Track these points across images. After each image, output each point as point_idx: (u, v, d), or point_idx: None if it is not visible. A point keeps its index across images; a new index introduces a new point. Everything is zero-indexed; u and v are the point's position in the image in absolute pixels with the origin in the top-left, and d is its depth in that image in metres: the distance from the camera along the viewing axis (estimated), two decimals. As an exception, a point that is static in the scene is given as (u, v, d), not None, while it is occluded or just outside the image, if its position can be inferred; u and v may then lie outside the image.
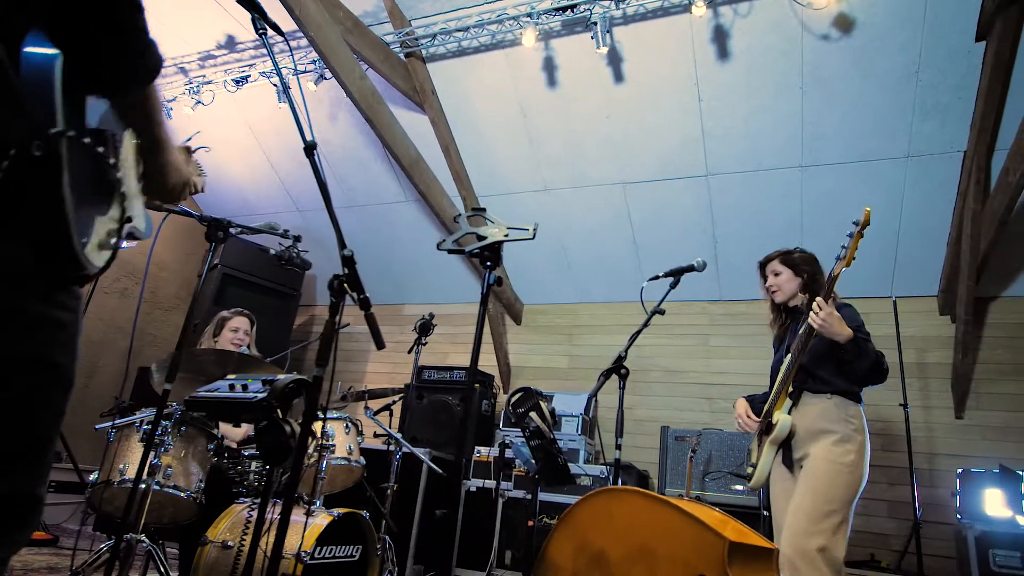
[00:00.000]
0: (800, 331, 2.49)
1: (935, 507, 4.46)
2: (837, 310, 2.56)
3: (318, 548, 2.58)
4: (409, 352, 4.04)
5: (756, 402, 2.77)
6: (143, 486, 2.41)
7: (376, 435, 4.80)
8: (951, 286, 4.68)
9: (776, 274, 2.75)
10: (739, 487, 4.24)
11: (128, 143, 0.96)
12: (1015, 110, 3.89)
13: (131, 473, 2.56)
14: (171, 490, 2.61)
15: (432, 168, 5.35)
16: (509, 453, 4.18)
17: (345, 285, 1.47)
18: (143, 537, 2.41)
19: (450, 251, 1.49)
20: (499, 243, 1.49)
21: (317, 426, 2.94)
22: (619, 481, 2.53)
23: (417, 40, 4.79)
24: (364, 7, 4.79)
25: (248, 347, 3.44)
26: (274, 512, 2.41)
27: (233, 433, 3.33)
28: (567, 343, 6.04)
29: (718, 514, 1.58)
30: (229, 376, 1.90)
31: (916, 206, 4.58)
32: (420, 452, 3.73)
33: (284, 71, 5.15)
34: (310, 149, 1.56)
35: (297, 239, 2.73)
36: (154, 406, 2.81)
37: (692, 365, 5.48)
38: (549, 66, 4.71)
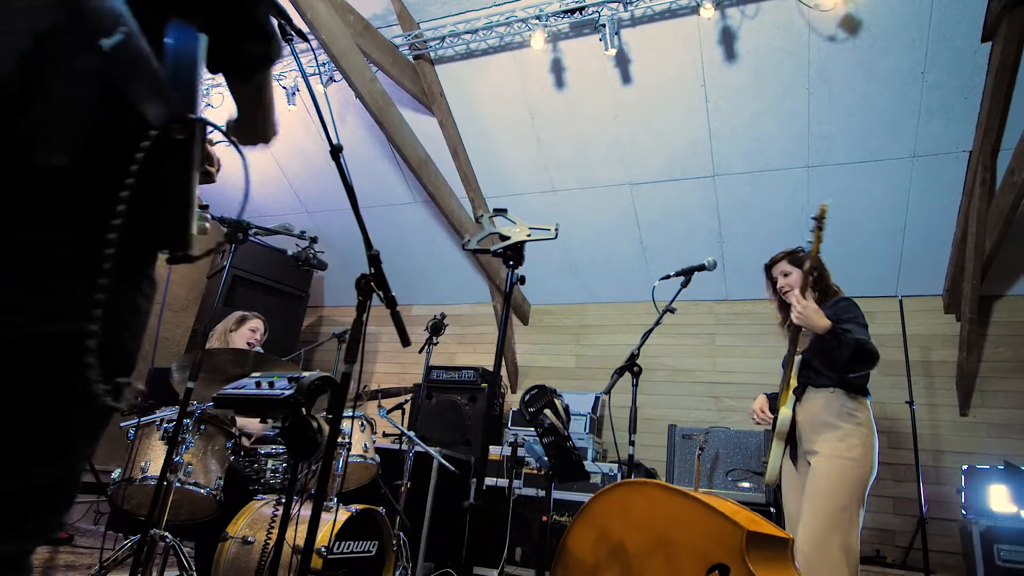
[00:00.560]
0: (790, 324, 2.56)
1: (941, 503, 4.49)
2: (834, 304, 2.62)
3: (337, 543, 2.62)
4: (420, 352, 4.08)
5: (774, 400, 2.82)
6: (165, 484, 2.46)
7: (385, 434, 4.86)
8: (956, 285, 4.71)
9: (786, 275, 2.80)
10: (746, 484, 4.28)
11: None
12: (1020, 110, 3.93)
13: (152, 471, 2.62)
14: (191, 487, 2.66)
15: (440, 170, 5.39)
16: (521, 452, 4.22)
17: (372, 284, 1.51)
18: (167, 533, 2.45)
19: (475, 251, 1.53)
20: (522, 243, 1.54)
21: (346, 423, 3.00)
22: (632, 477, 2.58)
23: (426, 42, 4.84)
24: (374, 10, 4.84)
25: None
26: (295, 508, 2.46)
27: (251, 426, 3.38)
28: (574, 343, 6.09)
29: (732, 504, 1.63)
30: (254, 374, 1.95)
31: (922, 206, 4.61)
32: (432, 451, 3.77)
33: (294, 74, 5.22)
34: (336, 152, 1.60)
35: (314, 240, 2.77)
36: (173, 405, 2.86)
37: (699, 364, 5.52)
38: (557, 68, 4.75)
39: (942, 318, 4.96)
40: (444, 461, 3.74)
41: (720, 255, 5.29)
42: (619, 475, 4.38)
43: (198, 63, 0.83)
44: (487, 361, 5.93)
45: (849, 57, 4.15)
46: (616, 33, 4.21)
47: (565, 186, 5.42)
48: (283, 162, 6.26)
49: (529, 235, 1.54)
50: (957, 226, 4.59)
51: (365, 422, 3.21)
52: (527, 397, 2.65)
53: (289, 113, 5.51)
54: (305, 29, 4.16)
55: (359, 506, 2.81)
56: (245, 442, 3.33)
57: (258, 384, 1.86)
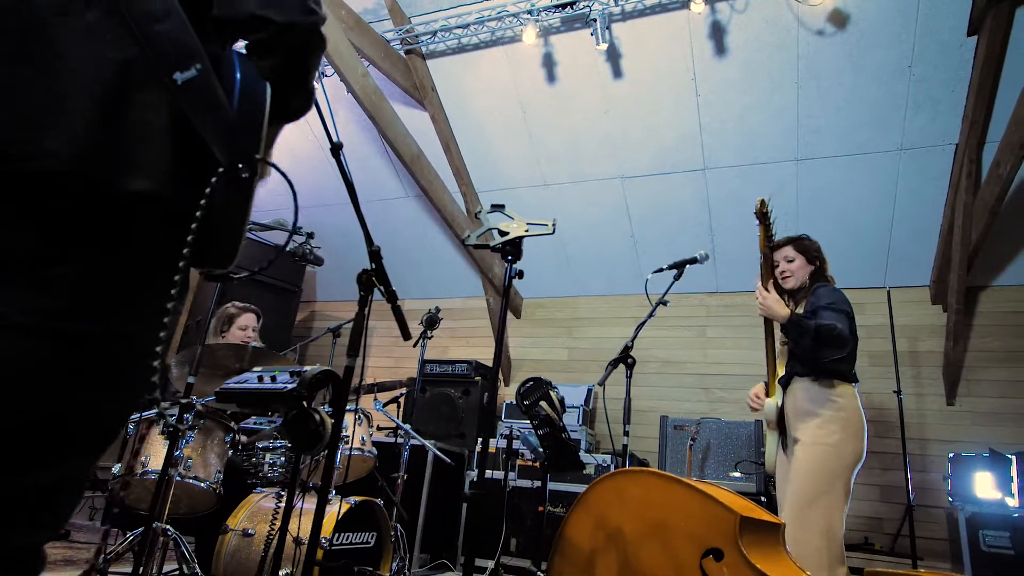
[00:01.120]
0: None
1: (927, 491, 4.58)
2: (814, 290, 2.66)
3: (336, 535, 2.66)
4: (415, 345, 4.10)
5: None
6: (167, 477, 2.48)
7: (380, 428, 4.89)
8: (943, 276, 4.79)
9: (789, 260, 2.81)
10: (737, 474, 4.36)
11: None
12: (1005, 103, 3.99)
13: (153, 465, 2.63)
14: (192, 481, 2.68)
15: (433, 164, 5.41)
16: (517, 444, 4.27)
17: (374, 279, 1.54)
18: (169, 527, 2.48)
19: (475, 246, 1.56)
20: (520, 238, 1.57)
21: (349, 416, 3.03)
22: (627, 466, 2.63)
23: (417, 37, 4.85)
24: (365, 5, 4.84)
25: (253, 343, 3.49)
26: (295, 501, 2.48)
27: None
28: (566, 336, 6.13)
29: (726, 492, 1.67)
30: (256, 368, 1.98)
31: (909, 198, 4.68)
32: (428, 443, 3.81)
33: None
34: (336, 150, 1.62)
35: (310, 235, 2.79)
36: (171, 400, 2.88)
37: (690, 356, 5.58)
38: (548, 62, 4.78)
39: (929, 309, 5.04)
40: (440, 453, 3.78)
41: (711, 248, 5.33)
42: (612, 466, 4.44)
43: (266, 108, 0.88)
44: (480, 354, 5.96)
45: (837, 51, 4.20)
46: (607, 28, 4.24)
47: (557, 180, 5.46)
48: (275, 157, 6.23)
49: (527, 230, 1.57)
50: (944, 218, 4.66)
51: (362, 415, 3.23)
52: (523, 389, 2.70)
53: (281, 108, 5.50)
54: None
55: (358, 498, 2.84)
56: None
57: (260, 378, 1.88)
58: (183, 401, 2.47)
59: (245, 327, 3.50)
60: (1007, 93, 3.98)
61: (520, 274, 1.59)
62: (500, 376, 6.10)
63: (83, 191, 0.72)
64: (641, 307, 2.89)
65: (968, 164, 4.25)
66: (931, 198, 4.64)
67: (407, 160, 5.04)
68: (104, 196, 0.73)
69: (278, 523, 1.89)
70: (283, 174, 0.97)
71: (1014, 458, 4.05)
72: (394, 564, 3.12)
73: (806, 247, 2.81)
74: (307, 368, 1.85)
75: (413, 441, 3.68)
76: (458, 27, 4.70)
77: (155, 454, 2.65)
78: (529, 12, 4.41)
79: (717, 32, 4.33)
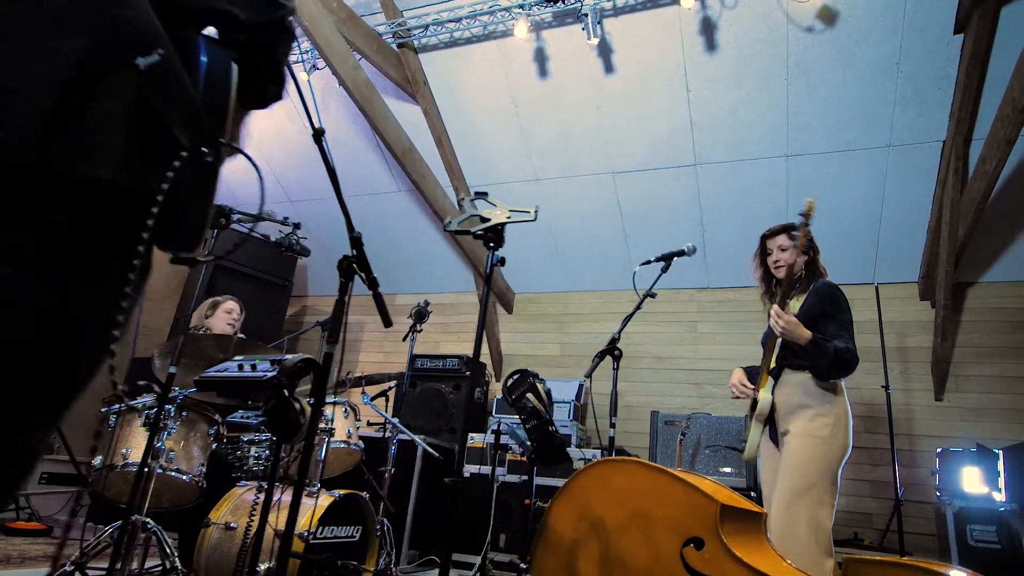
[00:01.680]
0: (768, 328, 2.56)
1: (916, 486, 4.60)
2: (816, 290, 2.64)
3: (320, 528, 2.64)
4: (404, 339, 4.09)
5: (752, 373, 2.86)
6: (147, 469, 2.46)
7: (370, 423, 4.87)
8: (931, 272, 4.81)
9: (783, 249, 2.80)
10: (727, 469, 4.36)
11: None
12: (991, 101, 4.01)
13: (134, 457, 2.61)
14: (173, 473, 2.66)
15: (425, 158, 5.39)
16: (504, 439, 4.26)
17: (354, 266, 1.53)
18: (149, 520, 2.45)
19: (456, 232, 1.55)
20: (502, 224, 1.56)
21: (329, 409, 3.01)
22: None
23: (409, 31, 4.83)
24: (356, -2, 4.82)
25: (236, 333, 3.50)
26: (278, 493, 2.47)
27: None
28: (558, 331, 6.13)
29: (710, 481, 1.67)
30: (237, 357, 1.96)
31: (897, 194, 4.70)
32: (417, 438, 3.79)
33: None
34: (319, 135, 1.61)
35: (297, 226, 2.77)
36: (155, 393, 2.85)
37: (680, 352, 5.59)
38: (540, 57, 4.77)
39: (917, 305, 5.06)
40: (429, 448, 3.76)
41: (701, 243, 5.34)
42: (602, 461, 4.43)
43: (232, 91, 0.88)
44: (470, 350, 5.95)
45: (826, 48, 4.21)
46: (598, 22, 4.24)
47: (548, 175, 5.45)
48: (266, 151, 6.21)
49: (509, 217, 1.56)
50: (931, 214, 4.68)
51: (348, 408, 3.22)
52: (509, 382, 2.68)
53: (271, 101, 5.46)
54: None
55: (343, 491, 2.82)
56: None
57: (240, 367, 1.87)
58: (157, 391, 2.45)
59: (230, 311, 3.53)
60: (993, 90, 3.99)
61: (502, 261, 1.57)
62: (491, 371, 6.09)
63: (38, 181, 0.71)
64: (632, 302, 2.88)
65: (955, 161, 4.27)
66: (919, 194, 4.66)
67: (398, 153, 5.02)
68: (61, 184, 0.72)
69: (257, 517, 1.87)
70: (250, 159, 0.96)
71: (1001, 453, 4.07)
72: (381, 559, 3.11)
73: (797, 238, 2.80)
74: (288, 356, 1.84)
75: (402, 436, 3.67)
76: (450, 21, 4.68)
77: (136, 446, 2.62)
78: (521, 6, 4.40)
79: (707, 28, 4.33)
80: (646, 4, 4.35)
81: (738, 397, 2.79)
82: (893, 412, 4.38)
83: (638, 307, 2.82)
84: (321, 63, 4.77)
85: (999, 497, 3.96)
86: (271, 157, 6.24)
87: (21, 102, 0.69)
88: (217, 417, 3.01)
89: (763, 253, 2.89)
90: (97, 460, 2.72)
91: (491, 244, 1.54)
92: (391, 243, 6.39)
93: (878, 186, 4.70)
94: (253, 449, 3.17)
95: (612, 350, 2.70)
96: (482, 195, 1.65)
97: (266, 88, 1.02)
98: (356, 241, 1.55)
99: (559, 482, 4.35)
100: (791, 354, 2.62)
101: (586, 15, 4.20)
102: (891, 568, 1.23)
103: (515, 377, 2.68)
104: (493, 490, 4.27)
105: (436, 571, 4.31)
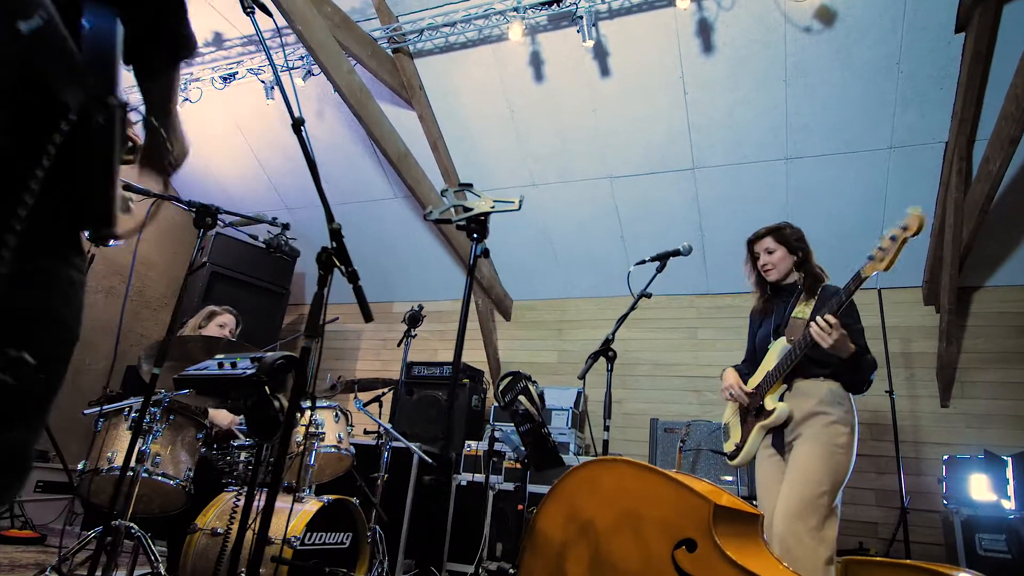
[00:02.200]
0: (806, 334, 2.43)
1: (922, 495, 4.50)
2: (824, 300, 2.55)
3: (308, 534, 2.57)
4: (399, 345, 4.04)
5: (741, 374, 2.79)
6: (131, 473, 2.40)
7: (367, 431, 4.80)
8: (935, 276, 4.74)
9: (769, 251, 2.74)
10: (728, 477, 4.27)
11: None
12: (994, 100, 3.95)
13: (119, 461, 2.55)
14: (160, 478, 2.60)
15: (420, 164, 5.36)
16: (498, 446, 4.18)
17: (333, 258, 1.48)
18: (133, 524, 2.39)
19: (436, 221, 1.50)
20: (485, 214, 1.51)
21: (319, 413, 2.95)
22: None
23: (404, 35, 4.81)
24: (352, 3, 4.81)
25: None
26: (261, 498, 2.40)
27: (221, 418, 3.31)
28: (556, 338, 6.07)
29: (704, 482, 1.60)
30: (218, 356, 1.91)
31: (899, 197, 4.63)
32: (413, 446, 3.72)
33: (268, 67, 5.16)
34: (298, 125, 1.57)
35: (286, 227, 2.73)
36: (143, 396, 2.80)
37: (680, 358, 5.51)
38: (536, 61, 4.74)
39: (922, 310, 4.98)
40: (424, 456, 3.70)
41: (700, 248, 5.29)
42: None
43: (116, 48, 0.84)
44: (467, 357, 5.89)
45: (825, 48, 4.17)
46: (594, 25, 4.21)
47: (545, 180, 5.41)
48: (263, 157, 6.19)
49: (493, 207, 1.51)
50: (935, 217, 4.61)
51: (339, 413, 3.16)
52: (501, 385, 2.62)
53: (268, 107, 5.46)
54: (281, 21, 4.11)
55: (332, 496, 2.76)
56: (219, 428, 3.27)
57: (220, 365, 1.81)
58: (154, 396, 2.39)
59: (223, 325, 3.48)
60: (996, 89, 3.94)
61: (486, 252, 1.52)
62: (489, 379, 6.02)
63: None
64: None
65: (958, 161, 4.21)
66: (921, 197, 4.59)
67: (394, 159, 4.99)
68: None
69: (237, 522, 1.81)
70: (146, 118, 0.93)
71: (1010, 460, 3.97)
72: (375, 568, 3.04)
73: (786, 236, 2.74)
74: (268, 354, 1.78)
75: (397, 444, 3.60)
76: (445, 25, 4.66)
77: (122, 450, 2.57)
78: (515, 10, 4.37)
79: (704, 29, 4.29)
80: (642, 6, 4.32)
81: (731, 400, 2.71)
82: (898, 419, 4.29)
83: (633, 307, 2.77)
84: (316, 69, 4.76)
85: (1008, 505, 3.86)
86: (268, 164, 6.23)
87: None
88: (206, 422, 2.96)
89: (752, 259, 2.83)
90: (82, 464, 2.66)
91: (475, 235, 1.49)
92: (388, 250, 6.35)
93: (879, 189, 4.64)
94: (244, 454, 3.12)
95: (606, 351, 2.64)
96: (466, 186, 1.60)
97: (159, 50, 0.98)
98: (336, 233, 1.51)
99: (557, 490, 4.28)
100: (809, 363, 2.52)
101: (581, 17, 4.17)
102: (890, 569, 1.17)
103: (507, 379, 2.62)
104: (487, 497, 4.19)
105: (432, 581, 4.23)
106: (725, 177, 4.92)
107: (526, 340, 6.18)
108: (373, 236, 6.28)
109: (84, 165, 0.80)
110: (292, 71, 5.03)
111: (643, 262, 2.85)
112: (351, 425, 3.29)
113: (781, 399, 2.54)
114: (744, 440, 2.62)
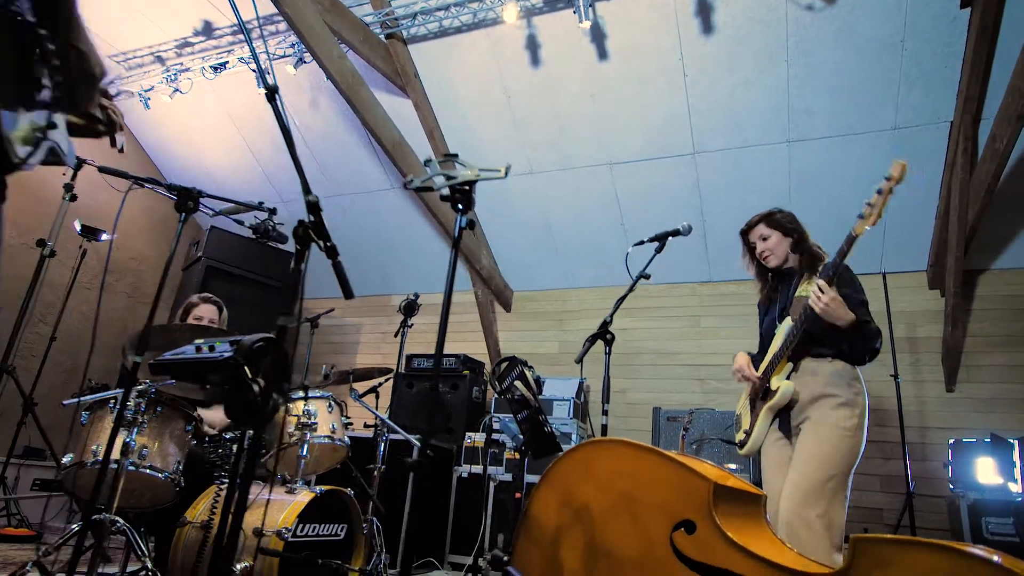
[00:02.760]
0: (805, 305, 2.36)
1: (928, 480, 4.44)
2: (824, 275, 2.47)
3: (300, 525, 2.51)
4: (396, 335, 3.97)
5: (755, 360, 2.71)
6: (115, 466, 2.34)
7: (367, 425, 4.74)
8: (940, 259, 4.65)
9: (764, 238, 2.67)
10: (732, 465, 4.20)
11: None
12: (1001, 77, 3.86)
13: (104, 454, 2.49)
14: (148, 471, 2.53)
15: (416, 153, 5.28)
16: (496, 436, 4.12)
17: (310, 231, 1.41)
18: (118, 518, 2.33)
19: (417, 189, 1.42)
20: (471, 183, 1.44)
21: (300, 405, 2.88)
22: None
23: (397, 20, 4.72)
24: (343, -12, 4.72)
25: None
26: (252, 490, 2.34)
27: (213, 419, 3.25)
28: (557, 329, 6.00)
29: (704, 463, 1.53)
30: (196, 340, 1.84)
31: (904, 179, 4.53)
32: (412, 438, 3.65)
33: (261, 56, 5.08)
34: (272, 93, 1.49)
35: (272, 211, 2.65)
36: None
37: (683, 347, 5.43)
38: (532, 45, 4.65)
39: (927, 294, 4.90)
40: (416, 442, 3.63)
41: (702, 234, 5.21)
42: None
43: None
44: (468, 349, 5.82)
45: (827, 27, 4.08)
46: (590, 5, 4.13)
47: (544, 167, 5.32)
48: (256, 149, 6.12)
49: (478, 175, 1.44)
50: (940, 199, 4.53)
51: (333, 403, 3.09)
52: (498, 372, 2.56)
53: (260, 97, 5.37)
54: (271, 8, 4.03)
55: (325, 487, 2.69)
56: (209, 430, 3.20)
57: (198, 349, 1.74)
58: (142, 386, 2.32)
59: (200, 318, 3.35)
60: (1002, 66, 3.85)
61: (471, 225, 1.45)
62: (490, 371, 5.95)
63: None
64: (632, 298, 2.74)
65: (964, 141, 4.12)
66: (927, 179, 4.50)
67: (388, 146, 4.90)
68: None
69: (219, 514, 1.73)
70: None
71: (1016, 443, 3.90)
72: (372, 560, 2.98)
73: (778, 220, 2.66)
74: (247, 336, 1.71)
75: (395, 436, 3.53)
76: (438, 9, 4.58)
77: (106, 443, 2.50)
78: (510, -9, 4.28)
79: (703, 9, 4.20)
80: (639, -14, 4.23)
81: (742, 380, 2.64)
82: (904, 404, 4.22)
83: (631, 289, 2.69)
84: (308, 57, 4.67)
85: (1015, 488, 3.79)
86: (262, 155, 6.15)
87: None
88: (195, 413, 2.89)
89: (749, 250, 2.76)
90: (68, 458, 2.60)
91: (459, 206, 1.42)
92: (385, 241, 6.28)
93: (883, 170, 4.52)
94: (235, 448, 3.05)
95: (604, 334, 2.56)
96: (452, 156, 1.53)
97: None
98: (313, 206, 1.43)
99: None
100: (812, 342, 2.44)
101: (577, -2, 4.08)
102: (901, 546, 1.09)
103: (504, 365, 2.55)
104: (486, 487, 4.13)
105: (433, 573, 4.18)
106: (727, 161, 4.83)
107: (527, 331, 6.11)
108: (370, 228, 6.20)
109: None
110: (284, 59, 4.94)
111: (642, 243, 2.77)
112: (347, 417, 3.22)
113: (788, 379, 2.47)
114: (752, 426, 2.55)
